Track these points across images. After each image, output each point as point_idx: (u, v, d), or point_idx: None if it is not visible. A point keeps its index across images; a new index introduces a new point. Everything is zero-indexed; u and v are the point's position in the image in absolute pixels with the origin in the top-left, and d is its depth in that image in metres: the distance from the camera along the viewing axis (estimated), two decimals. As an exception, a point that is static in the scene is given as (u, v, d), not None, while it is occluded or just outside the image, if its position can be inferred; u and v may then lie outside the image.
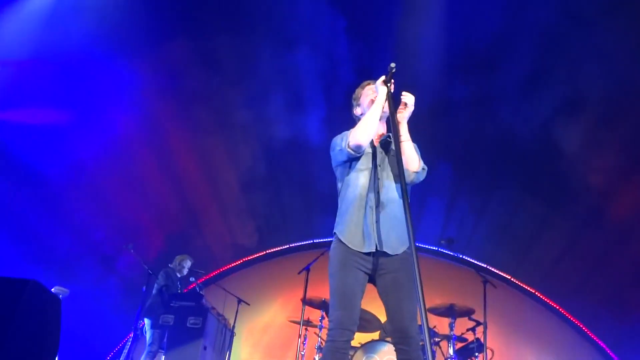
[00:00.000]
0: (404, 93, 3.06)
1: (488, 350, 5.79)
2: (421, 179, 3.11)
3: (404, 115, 3.03)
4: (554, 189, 7.57)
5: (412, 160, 3.03)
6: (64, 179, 7.26)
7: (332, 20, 6.81)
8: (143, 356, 6.54)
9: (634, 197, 6.94)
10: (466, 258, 8.19)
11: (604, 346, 8.05)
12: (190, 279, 7.07)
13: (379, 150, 3.13)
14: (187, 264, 7.30)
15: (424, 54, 6.65)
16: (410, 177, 3.03)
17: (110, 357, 8.56)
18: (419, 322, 2.23)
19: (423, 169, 3.10)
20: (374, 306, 5.56)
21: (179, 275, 7.23)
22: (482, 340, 5.80)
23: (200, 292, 6.80)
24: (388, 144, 3.13)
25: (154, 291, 6.92)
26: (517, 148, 7.43)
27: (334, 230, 3.06)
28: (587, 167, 7.11)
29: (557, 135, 6.89)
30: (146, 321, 6.75)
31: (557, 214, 7.81)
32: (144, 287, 6.59)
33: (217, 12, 6.78)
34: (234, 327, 7.31)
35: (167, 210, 8.34)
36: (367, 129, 2.99)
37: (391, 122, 2.94)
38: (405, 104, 3.03)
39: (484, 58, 6.81)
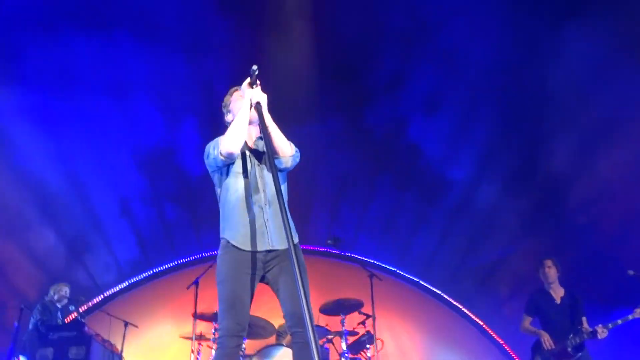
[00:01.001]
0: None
1: (378, 341, 6.07)
2: (297, 160, 3.18)
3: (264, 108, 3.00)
4: (426, 185, 8.14)
5: (283, 145, 3.05)
6: None
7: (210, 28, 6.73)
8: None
9: (493, 189, 7.70)
10: (353, 255, 8.51)
11: (480, 322, 8.83)
12: (70, 308, 6.62)
13: (255, 151, 3.16)
14: (64, 290, 6.82)
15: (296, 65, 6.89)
16: (288, 163, 3.10)
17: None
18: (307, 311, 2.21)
19: (296, 151, 3.16)
20: (267, 312, 5.63)
21: (59, 306, 6.75)
22: (372, 332, 6.07)
23: (82, 320, 6.40)
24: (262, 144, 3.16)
25: (30, 326, 6.40)
26: (389, 147, 7.91)
27: (222, 236, 3.02)
28: (451, 163, 7.78)
29: (420, 133, 7.50)
30: (21, 358, 6.21)
31: (430, 208, 8.41)
32: (16, 323, 6.07)
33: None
34: (121, 351, 6.94)
35: (42, 239, 7.68)
36: (235, 135, 2.99)
37: (259, 120, 2.97)
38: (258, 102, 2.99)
39: (350, 64, 7.18)
